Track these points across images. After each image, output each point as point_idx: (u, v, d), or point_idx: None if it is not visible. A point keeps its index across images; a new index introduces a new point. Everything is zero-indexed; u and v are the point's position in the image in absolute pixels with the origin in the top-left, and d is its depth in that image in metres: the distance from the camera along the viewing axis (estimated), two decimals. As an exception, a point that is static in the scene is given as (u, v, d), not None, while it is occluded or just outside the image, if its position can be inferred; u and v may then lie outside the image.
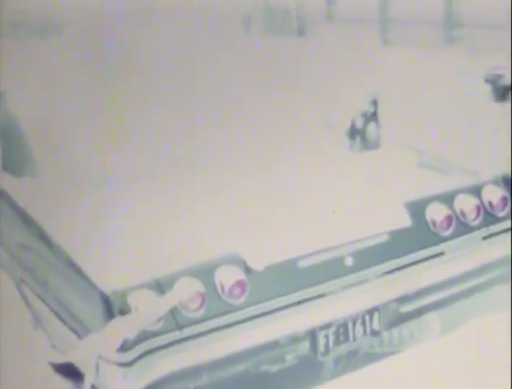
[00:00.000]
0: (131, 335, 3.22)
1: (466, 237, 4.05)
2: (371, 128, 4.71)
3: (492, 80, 8.53)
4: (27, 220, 4.04)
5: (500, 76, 8.52)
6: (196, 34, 5.74)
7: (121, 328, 3.22)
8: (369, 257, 3.76)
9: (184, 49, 5.29)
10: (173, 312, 3.30)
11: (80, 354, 3.40)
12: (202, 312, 3.36)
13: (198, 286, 3.35)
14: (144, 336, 3.25)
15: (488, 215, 4.12)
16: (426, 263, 3.93)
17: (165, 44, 5.33)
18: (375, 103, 4.80)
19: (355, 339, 3.73)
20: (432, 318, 4.04)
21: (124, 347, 3.22)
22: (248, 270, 3.46)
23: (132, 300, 3.26)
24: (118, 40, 5.17)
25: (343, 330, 3.69)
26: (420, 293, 3.88)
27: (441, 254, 3.98)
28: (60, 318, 3.64)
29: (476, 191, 4.15)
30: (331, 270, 3.66)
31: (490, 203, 4.13)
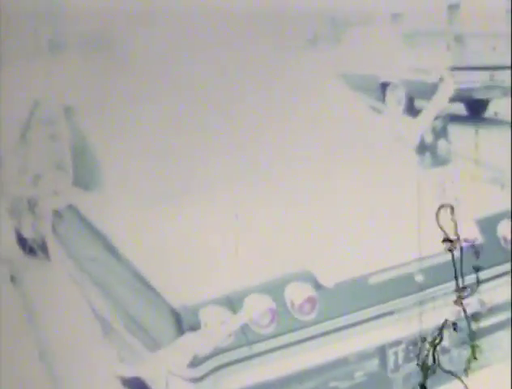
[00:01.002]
0: (201, 350, 3.22)
1: None
2: (442, 143, 4.66)
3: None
4: (95, 234, 4.08)
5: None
6: (260, 46, 5.75)
7: (192, 344, 3.22)
8: (440, 274, 3.72)
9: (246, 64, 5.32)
10: (244, 328, 3.30)
11: (150, 369, 3.41)
12: (272, 328, 3.35)
13: (268, 302, 3.34)
14: (214, 352, 3.25)
15: None
16: (497, 281, 3.87)
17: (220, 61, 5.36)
18: (445, 118, 4.76)
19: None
20: (503, 336, 3.97)
21: (194, 362, 3.23)
22: (318, 286, 3.45)
23: (202, 316, 3.26)
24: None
25: (412, 347, 3.65)
26: (491, 311, 3.82)
27: None
28: (129, 331, 3.66)
29: None
30: (402, 286, 3.62)
31: None
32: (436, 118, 4.73)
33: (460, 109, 8.03)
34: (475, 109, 8.04)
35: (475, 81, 7.87)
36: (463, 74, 7.97)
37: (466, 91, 7.66)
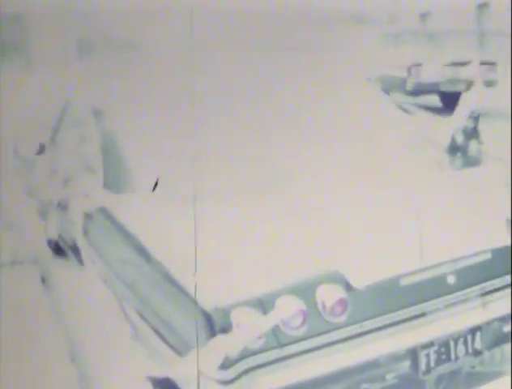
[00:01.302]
0: (233, 352, 3.22)
1: None
2: (472, 144, 4.63)
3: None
4: (126, 236, 4.09)
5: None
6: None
7: (223, 346, 3.22)
8: (472, 275, 3.70)
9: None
10: (275, 330, 3.29)
11: (180, 370, 3.41)
12: (303, 330, 3.34)
13: (299, 304, 3.33)
14: (245, 354, 3.25)
15: None
16: None
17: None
18: (476, 118, 4.73)
19: (457, 358, 3.66)
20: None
21: (225, 364, 3.23)
22: (349, 288, 3.44)
23: (234, 317, 3.27)
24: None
25: (444, 349, 3.63)
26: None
27: None
28: (160, 333, 3.67)
29: None
30: (434, 288, 3.60)
31: None
32: (467, 118, 4.71)
33: (435, 100, 8.57)
34: (447, 101, 8.53)
35: (441, 75, 8.51)
36: (431, 68, 8.66)
37: (434, 84, 8.39)
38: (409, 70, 8.77)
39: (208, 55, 5.37)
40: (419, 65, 8.81)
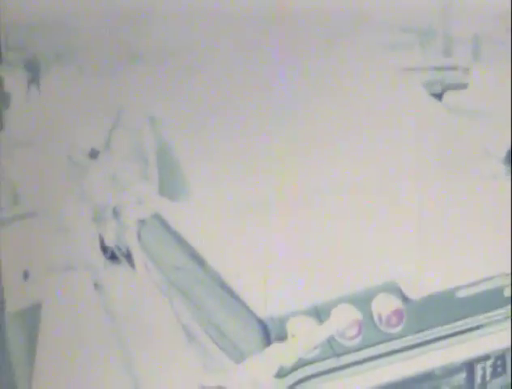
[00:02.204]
0: (288, 361, 3.22)
1: None
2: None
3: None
4: (181, 243, 4.11)
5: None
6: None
7: (279, 354, 3.22)
8: None
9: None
10: (330, 339, 3.29)
11: (235, 379, 3.41)
12: (358, 340, 3.33)
13: (355, 314, 3.32)
14: (301, 363, 3.24)
15: None
16: None
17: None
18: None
19: (513, 372, 3.63)
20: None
21: (281, 373, 3.23)
22: (405, 299, 3.42)
23: (290, 326, 3.26)
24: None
25: (500, 362, 3.59)
26: None
27: None
28: (214, 340, 3.68)
29: None
30: (490, 301, 3.57)
31: None
32: None
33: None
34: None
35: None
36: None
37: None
38: None
39: (265, 56, 5.38)
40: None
